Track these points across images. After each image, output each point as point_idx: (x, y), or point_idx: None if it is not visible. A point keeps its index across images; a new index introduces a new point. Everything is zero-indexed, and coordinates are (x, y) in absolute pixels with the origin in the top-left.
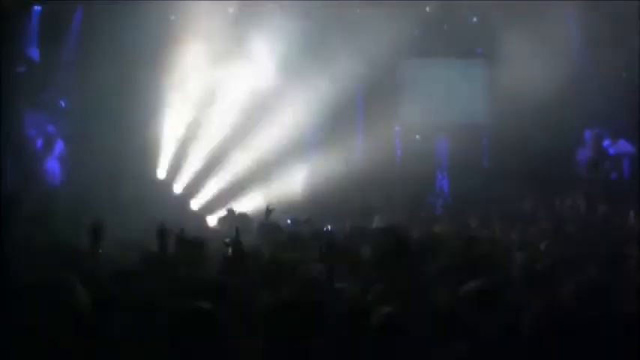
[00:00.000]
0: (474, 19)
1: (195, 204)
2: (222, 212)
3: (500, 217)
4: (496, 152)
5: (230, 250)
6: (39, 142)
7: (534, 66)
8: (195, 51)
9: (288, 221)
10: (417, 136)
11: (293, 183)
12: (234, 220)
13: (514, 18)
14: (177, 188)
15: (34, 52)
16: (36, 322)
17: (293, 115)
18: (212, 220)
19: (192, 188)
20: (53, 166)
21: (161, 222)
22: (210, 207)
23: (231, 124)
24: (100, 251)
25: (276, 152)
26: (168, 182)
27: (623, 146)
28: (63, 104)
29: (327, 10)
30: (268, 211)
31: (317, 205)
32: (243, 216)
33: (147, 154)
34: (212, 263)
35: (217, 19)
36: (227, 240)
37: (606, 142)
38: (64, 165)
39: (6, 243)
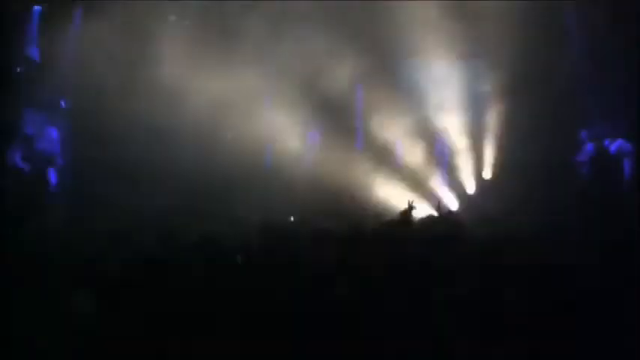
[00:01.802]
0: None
1: None
2: None
3: None
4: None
5: None
6: (39, 142)
7: (533, 66)
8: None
9: (291, 218)
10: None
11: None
12: None
13: (514, 18)
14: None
15: (34, 52)
16: None
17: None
18: None
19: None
20: (53, 166)
21: None
22: None
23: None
24: None
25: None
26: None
27: (623, 146)
28: (63, 104)
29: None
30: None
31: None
32: None
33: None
34: None
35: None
36: None
37: (605, 142)
38: (63, 165)
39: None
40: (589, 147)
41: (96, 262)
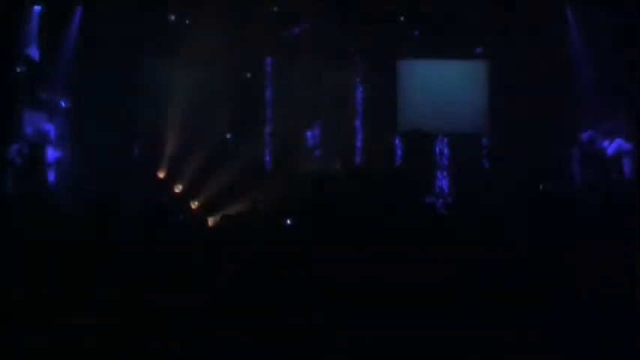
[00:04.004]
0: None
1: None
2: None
3: None
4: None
5: None
6: (38, 142)
7: (533, 66)
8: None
9: (288, 221)
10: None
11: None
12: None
13: (514, 18)
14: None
15: (34, 52)
16: None
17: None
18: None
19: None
20: (52, 166)
21: None
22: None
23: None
24: None
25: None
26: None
27: (622, 146)
28: (63, 104)
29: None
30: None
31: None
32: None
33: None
34: None
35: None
36: None
37: (605, 143)
38: (62, 165)
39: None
40: (588, 146)
41: None
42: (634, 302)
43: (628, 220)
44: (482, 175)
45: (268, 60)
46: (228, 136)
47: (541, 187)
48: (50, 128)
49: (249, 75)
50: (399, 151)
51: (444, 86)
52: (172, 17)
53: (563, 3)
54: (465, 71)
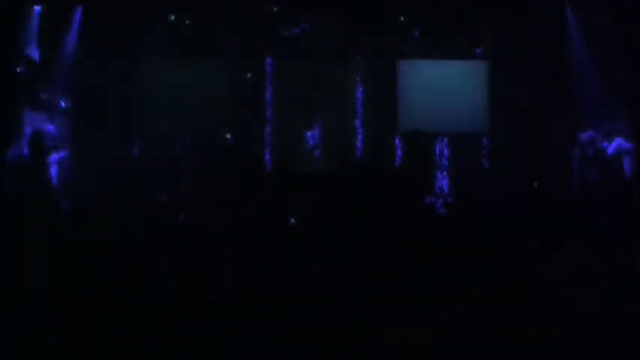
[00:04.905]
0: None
1: None
2: None
3: None
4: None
5: None
6: (38, 143)
7: (533, 66)
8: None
9: (292, 220)
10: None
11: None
12: None
13: (514, 18)
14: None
15: (34, 52)
16: None
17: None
18: None
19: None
20: (52, 166)
21: None
22: None
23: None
24: None
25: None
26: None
27: (622, 145)
28: (63, 104)
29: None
30: None
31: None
32: None
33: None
34: None
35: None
36: None
37: (605, 143)
38: (63, 165)
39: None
40: (588, 146)
41: None
42: (634, 303)
43: (628, 220)
44: (483, 175)
45: (268, 60)
46: (228, 136)
47: (535, 184)
48: (50, 128)
49: (249, 75)
50: (399, 151)
51: (444, 86)
52: (172, 17)
53: (563, 3)
54: (465, 71)
